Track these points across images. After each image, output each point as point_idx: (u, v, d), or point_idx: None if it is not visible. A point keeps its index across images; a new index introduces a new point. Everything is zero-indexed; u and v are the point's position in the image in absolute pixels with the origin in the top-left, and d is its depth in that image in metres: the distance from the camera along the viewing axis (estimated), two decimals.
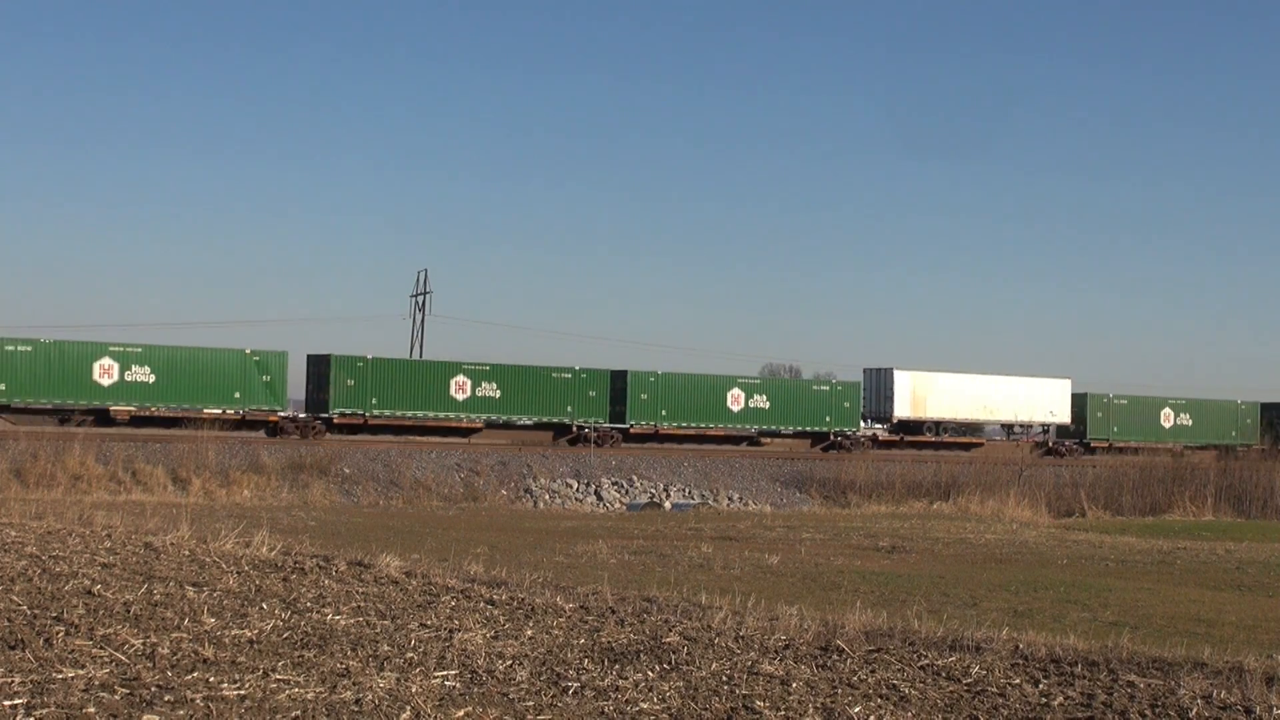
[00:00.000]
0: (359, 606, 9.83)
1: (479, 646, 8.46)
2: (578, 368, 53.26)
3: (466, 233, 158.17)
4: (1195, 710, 7.46)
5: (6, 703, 6.55)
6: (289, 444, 44.71)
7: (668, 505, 43.09)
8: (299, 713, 6.70)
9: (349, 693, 7.10)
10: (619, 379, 54.00)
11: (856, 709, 7.26)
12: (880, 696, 7.58)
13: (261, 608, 9.50)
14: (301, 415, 49.46)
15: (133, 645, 7.95)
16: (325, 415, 48.85)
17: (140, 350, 46.29)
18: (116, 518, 16.28)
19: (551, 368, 53.03)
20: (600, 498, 44.72)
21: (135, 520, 16.43)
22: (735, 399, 55.77)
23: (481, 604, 10.31)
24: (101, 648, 7.87)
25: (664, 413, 54.59)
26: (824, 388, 59.72)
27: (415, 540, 22.00)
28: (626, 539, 25.66)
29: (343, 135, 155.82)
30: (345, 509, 35.84)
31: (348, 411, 48.93)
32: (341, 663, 7.81)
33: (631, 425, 53.90)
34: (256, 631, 8.60)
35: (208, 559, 11.94)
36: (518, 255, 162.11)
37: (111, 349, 46.02)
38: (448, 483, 43.01)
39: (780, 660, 8.42)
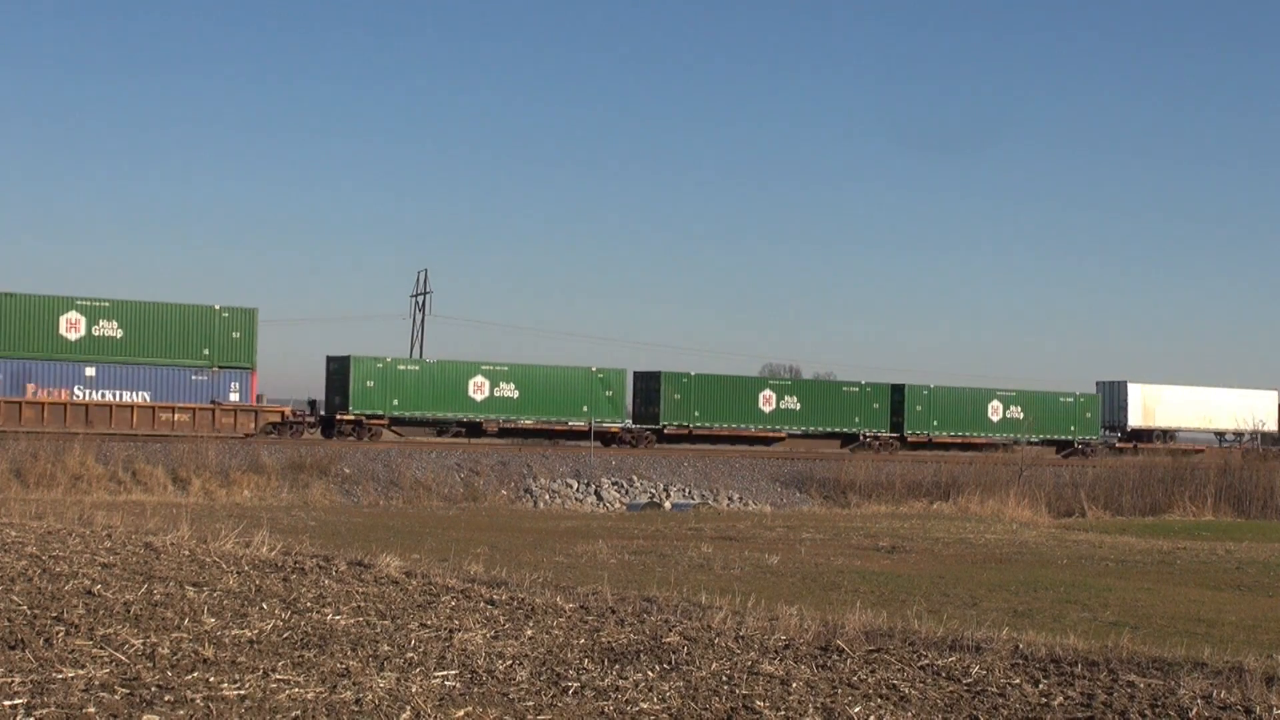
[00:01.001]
0: (359, 606, 9.83)
1: (479, 646, 8.46)
2: (863, 382, 60.31)
3: (466, 233, 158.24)
4: (1195, 710, 7.46)
5: (6, 703, 6.55)
6: (289, 444, 44.73)
7: (668, 505, 43.09)
8: (299, 713, 6.70)
9: (349, 693, 7.10)
10: (897, 392, 60.45)
11: (856, 709, 7.26)
12: (880, 696, 7.58)
13: (261, 608, 9.51)
14: (635, 426, 55.15)
15: (133, 645, 7.95)
16: (655, 427, 55.04)
17: (507, 369, 52.72)
18: (116, 518, 16.29)
19: (842, 382, 61.55)
20: (600, 498, 44.72)
21: (135, 520, 16.45)
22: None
23: (481, 604, 10.31)
24: (101, 648, 7.87)
25: (937, 421, 61.16)
26: (1004, 394, 63.22)
27: (415, 540, 22.00)
28: (626, 539, 25.67)
29: (343, 135, 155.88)
30: (345, 509, 35.85)
31: (674, 424, 55.31)
32: (341, 663, 7.82)
33: (910, 434, 60.00)
34: (256, 631, 8.60)
35: (208, 559, 11.95)
36: (518, 255, 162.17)
37: (484, 368, 52.25)
38: (448, 483, 43.02)
39: (780, 660, 8.42)
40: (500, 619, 9.62)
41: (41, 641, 7.96)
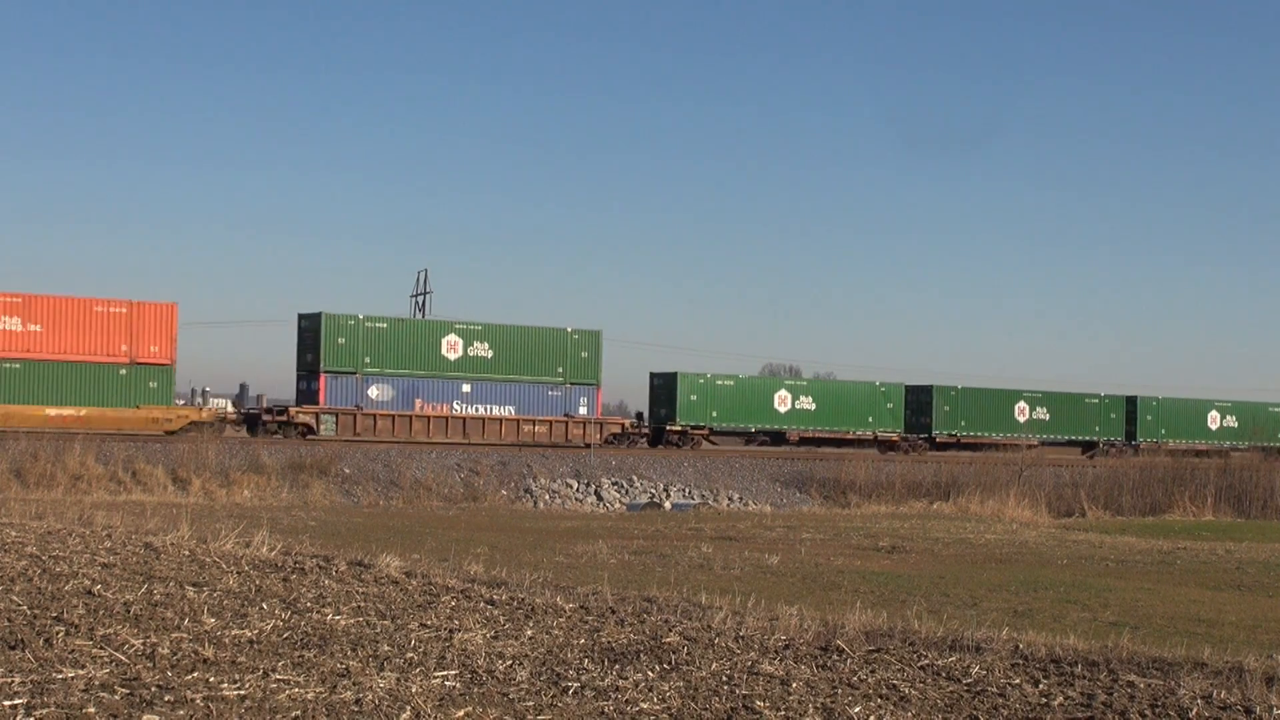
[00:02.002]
0: (359, 606, 9.83)
1: (479, 646, 8.46)
2: (1102, 395, 66.18)
3: (466, 233, 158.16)
4: (1195, 710, 7.46)
5: (6, 703, 6.55)
6: (289, 444, 44.73)
7: (668, 505, 43.08)
8: (299, 713, 6.70)
9: (349, 693, 7.10)
10: (1131, 403, 66.77)
11: (856, 709, 7.26)
12: (880, 696, 7.58)
13: (261, 608, 9.50)
14: (910, 436, 60.66)
15: (133, 645, 7.95)
16: (928, 436, 61.28)
17: (806, 384, 62.19)
18: (116, 518, 16.29)
19: (1084, 394, 66.57)
20: (600, 498, 44.71)
21: (135, 520, 16.44)
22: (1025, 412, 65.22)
23: (481, 604, 10.31)
24: (101, 648, 7.87)
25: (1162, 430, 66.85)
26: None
27: (415, 540, 22.00)
28: (626, 539, 25.66)
29: (343, 135, 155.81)
30: (345, 509, 35.84)
31: (945, 433, 61.61)
32: (341, 663, 7.81)
33: (1142, 441, 65.30)
34: (256, 631, 8.60)
35: (208, 559, 11.94)
36: (518, 255, 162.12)
37: (787, 383, 61.83)
38: (448, 483, 43.01)
39: (780, 660, 8.42)
40: (500, 619, 9.62)
41: (41, 641, 7.96)
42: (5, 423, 42.92)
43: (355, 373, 48.85)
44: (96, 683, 7.04)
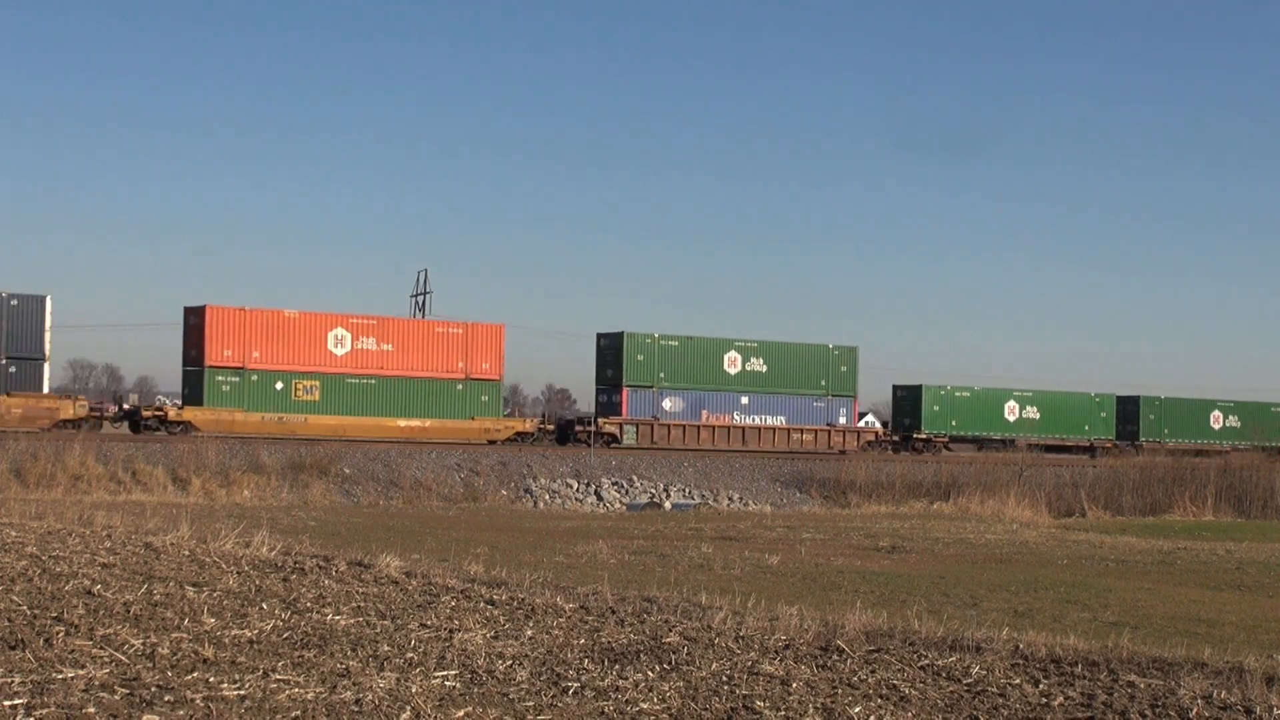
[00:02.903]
0: (359, 606, 9.83)
1: (479, 646, 8.45)
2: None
3: (466, 233, 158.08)
4: (1195, 710, 7.46)
5: (6, 703, 6.54)
6: (289, 444, 44.72)
7: (668, 505, 43.07)
8: (299, 713, 6.70)
9: (349, 693, 7.10)
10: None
11: (856, 709, 7.26)
12: (880, 696, 7.57)
13: (261, 608, 9.50)
14: (1119, 442, 65.90)
15: (133, 645, 7.95)
16: (1135, 441, 66.65)
17: (1031, 394, 65.56)
18: (116, 518, 16.27)
19: (1270, 403, 71.98)
20: (600, 498, 44.70)
21: (135, 520, 16.43)
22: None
23: (481, 604, 10.31)
24: (101, 648, 7.86)
25: None
26: None
27: (415, 540, 21.99)
28: (626, 539, 25.65)
29: (342, 135, 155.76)
30: (345, 509, 35.82)
31: (1151, 440, 66.32)
32: (341, 663, 7.81)
33: None
34: (256, 631, 8.59)
35: (208, 559, 11.94)
36: (518, 255, 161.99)
37: (1015, 394, 65.22)
38: (448, 483, 43.00)
39: (780, 660, 8.41)
40: (500, 619, 9.62)
41: (41, 641, 7.95)
42: (363, 433, 48.21)
43: (652, 387, 54.64)
44: (96, 683, 7.03)
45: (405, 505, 39.20)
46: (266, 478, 40.30)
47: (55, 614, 8.79)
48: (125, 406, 50.75)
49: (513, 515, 36.10)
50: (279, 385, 47.78)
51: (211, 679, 7.22)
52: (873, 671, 8.18)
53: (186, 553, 12.30)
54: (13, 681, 6.94)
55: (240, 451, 41.99)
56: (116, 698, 6.77)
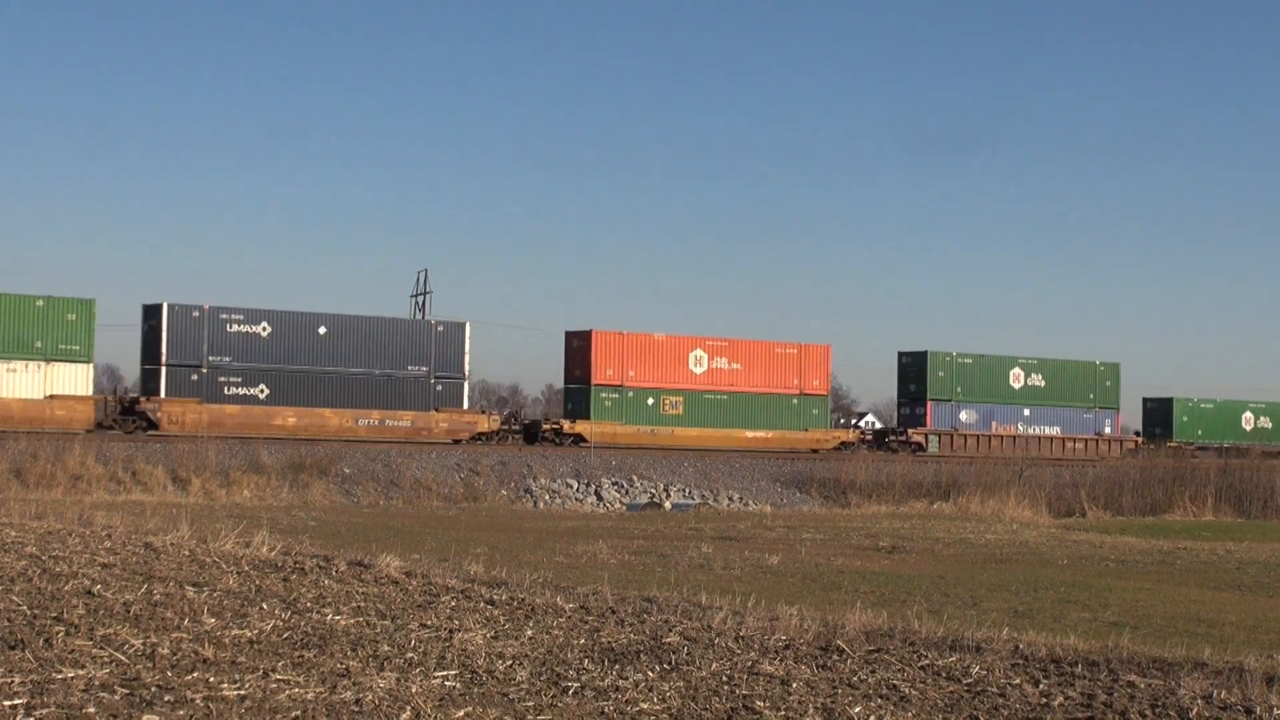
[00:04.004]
0: (359, 606, 9.83)
1: (479, 646, 8.45)
2: None
3: (466, 233, 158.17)
4: (1195, 710, 7.46)
5: (6, 703, 6.54)
6: (289, 444, 44.76)
7: (668, 505, 43.05)
8: (299, 713, 6.70)
9: (349, 693, 7.10)
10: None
11: (856, 709, 7.26)
12: (880, 696, 7.57)
13: (261, 608, 9.50)
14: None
15: (133, 645, 7.95)
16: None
17: (1264, 405, 71.61)
18: (116, 518, 16.27)
19: None
20: (600, 498, 44.70)
21: (135, 520, 16.43)
22: None
23: (481, 604, 10.31)
24: (101, 648, 7.86)
25: None
26: None
27: (415, 540, 21.98)
28: (626, 539, 25.65)
29: (342, 135, 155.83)
30: (345, 509, 35.82)
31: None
32: (341, 663, 7.81)
33: None
34: (256, 631, 8.59)
35: (208, 559, 11.94)
36: (518, 255, 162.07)
37: (1252, 405, 71.48)
38: (448, 483, 43.00)
39: (780, 660, 8.41)
40: (500, 619, 9.62)
41: (41, 641, 7.95)
42: (716, 443, 53.32)
43: (950, 400, 61.13)
44: (96, 683, 7.03)
45: (405, 505, 39.20)
46: (266, 478, 40.30)
47: (55, 614, 8.79)
48: (523, 421, 56.18)
49: (513, 515, 36.10)
50: (650, 401, 54.18)
51: (211, 679, 7.22)
52: (873, 671, 8.18)
53: (186, 553, 12.31)
54: (13, 681, 6.94)
55: (240, 451, 41.99)
56: (116, 698, 6.77)
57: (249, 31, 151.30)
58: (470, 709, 6.92)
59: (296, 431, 47.32)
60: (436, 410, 50.04)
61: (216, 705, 6.71)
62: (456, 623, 9.32)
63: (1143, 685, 8.06)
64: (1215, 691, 7.85)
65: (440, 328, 51.11)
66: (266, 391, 47.53)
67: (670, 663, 8.21)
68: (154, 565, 11.40)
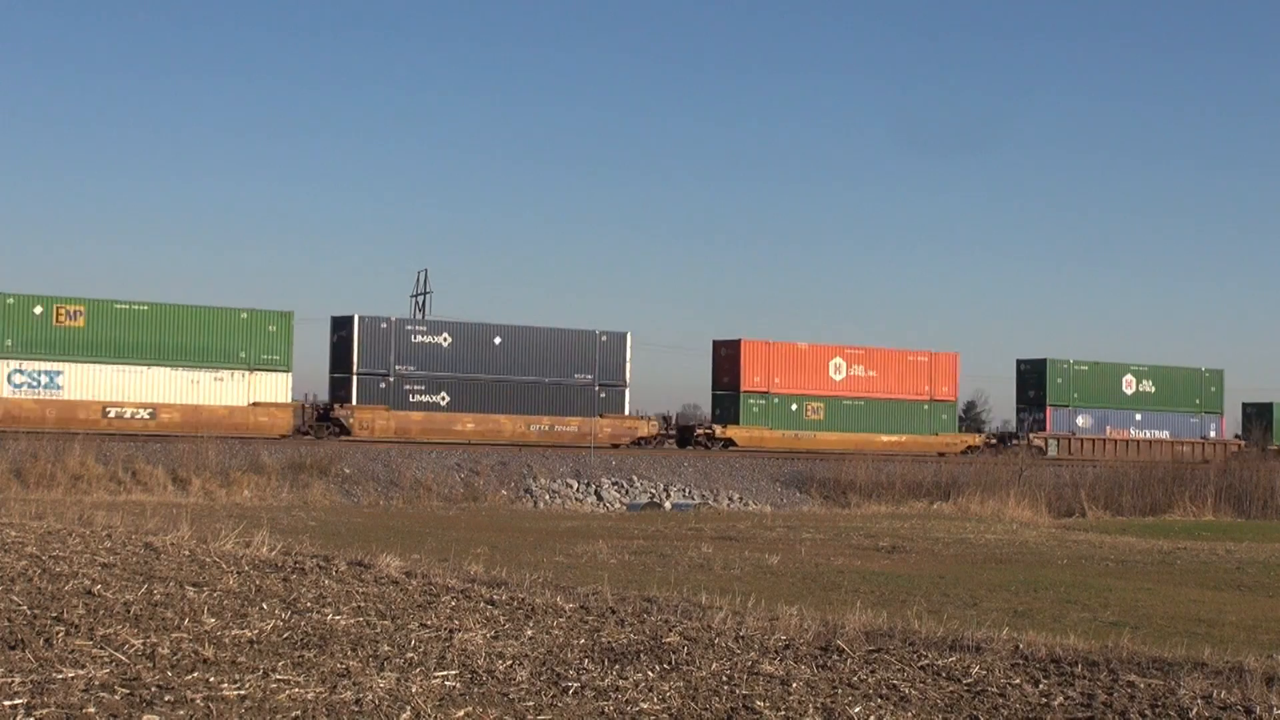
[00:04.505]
0: (359, 606, 9.83)
1: (479, 646, 8.46)
2: None
3: (466, 233, 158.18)
4: (1195, 710, 7.46)
5: (6, 703, 6.55)
6: (289, 444, 44.80)
7: (668, 505, 43.07)
8: (299, 713, 6.70)
9: (349, 693, 7.10)
10: None
11: (856, 709, 7.26)
12: (880, 696, 7.58)
13: (261, 608, 9.50)
14: None
15: (133, 645, 7.95)
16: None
17: None
18: (116, 518, 16.28)
19: None
20: (600, 498, 44.70)
21: (135, 520, 16.44)
22: None
23: (481, 604, 10.31)
24: (101, 648, 7.87)
25: None
26: None
27: (415, 540, 21.98)
28: (626, 539, 25.66)
29: (342, 135, 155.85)
30: (345, 509, 35.84)
31: None
32: (341, 663, 7.81)
33: None
34: (256, 631, 8.60)
35: (208, 559, 11.95)
36: (517, 255, 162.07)
37: None
38: (448, 483, 43.02)
39: (780, 660, 8.42)
40: (500, 619, 9.62)
41: (41, 641, 7.96)
42: (854, 447, 53.71)
43: (1068, 405, 63.57)
44: (96, 683, 7.04)
45: (405, 505, 39.21)
46: (266, 478, 40.30)
47: (55, 614, 8.79)
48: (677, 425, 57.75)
49: (513, 515, 36.12)
50: (793, 407, 56.24)
51: (211, 679, 7.23)
52: (873, 671, 8.19)
53: (186, 553, 12.32)
54: (13, 681, 6.94)
55: (240, 451, 41.99)
56: (116, 698, 6.78)
57: (248, 30, 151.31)
58: (470, 709, 6.93)
59: (473, 436, 49.53)
60: (601, 416, 52.27)
61: (216, 705, 6.71)
62: (456, 623, 9.32)
63: (1143, 685, 8.06)
64: (1215, 691, 7.85)
65: (604, 338, 52.92)
66: (447, 399, 49.71)
67: (670, 663, 8.21)
68: (154, 565, 11.41)
